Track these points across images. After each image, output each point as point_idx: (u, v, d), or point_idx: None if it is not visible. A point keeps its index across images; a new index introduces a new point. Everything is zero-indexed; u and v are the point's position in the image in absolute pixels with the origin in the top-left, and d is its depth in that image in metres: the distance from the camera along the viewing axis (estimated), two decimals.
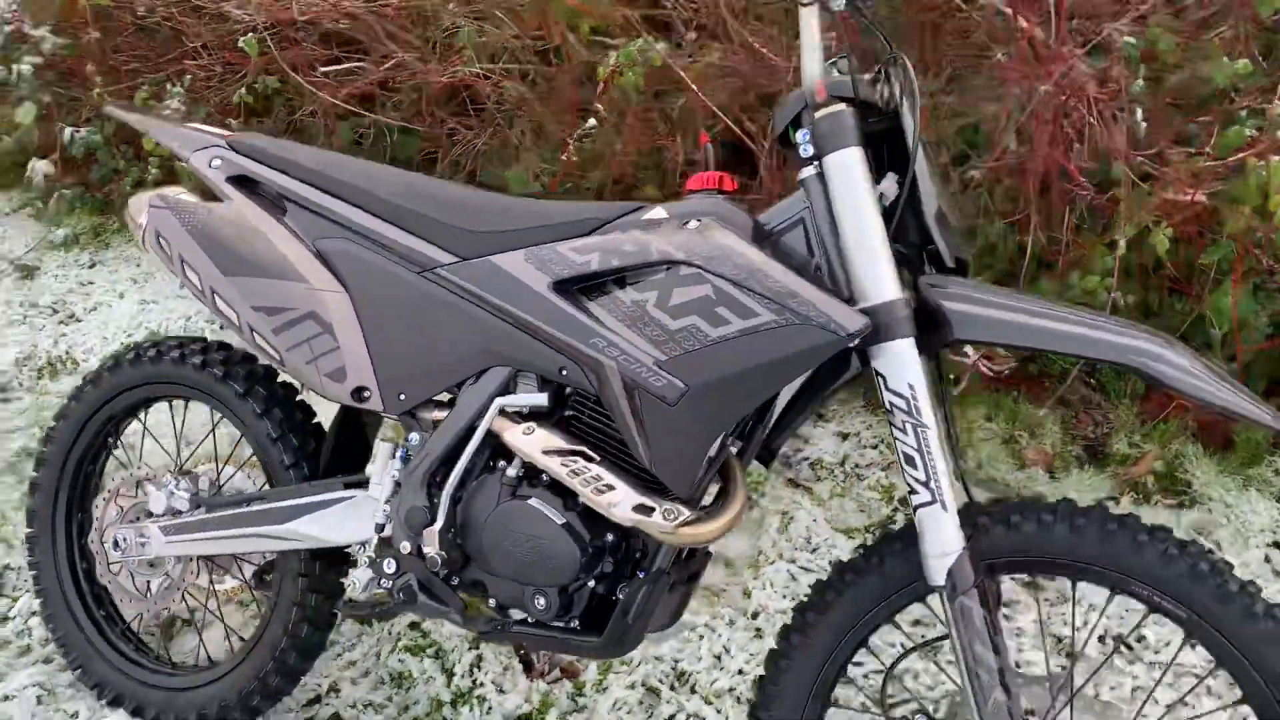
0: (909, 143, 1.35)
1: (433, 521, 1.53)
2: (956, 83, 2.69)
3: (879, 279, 1.32)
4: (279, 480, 1.79)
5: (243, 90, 3.56)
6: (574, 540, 1.45)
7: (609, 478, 1.41)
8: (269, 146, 1.73)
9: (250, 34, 3.41)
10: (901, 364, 1.31)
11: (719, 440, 1.37)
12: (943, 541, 1.31)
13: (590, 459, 1.43)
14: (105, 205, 4.07)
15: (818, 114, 1.36)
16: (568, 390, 1.50)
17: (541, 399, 1.48)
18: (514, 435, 1.46)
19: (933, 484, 1.30)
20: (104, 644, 2.01)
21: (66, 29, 4.06)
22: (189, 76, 3.75)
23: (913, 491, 1.32)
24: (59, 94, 4.10)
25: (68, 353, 3.33)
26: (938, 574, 1.31)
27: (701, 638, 2.17)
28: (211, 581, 1.90)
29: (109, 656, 1.99)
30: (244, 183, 1.72)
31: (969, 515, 1.34)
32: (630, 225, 1.47)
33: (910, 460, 1.32)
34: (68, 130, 3.93)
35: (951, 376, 1.35)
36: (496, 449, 1.53)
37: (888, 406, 1.33)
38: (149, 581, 1.92)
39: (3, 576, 2.40)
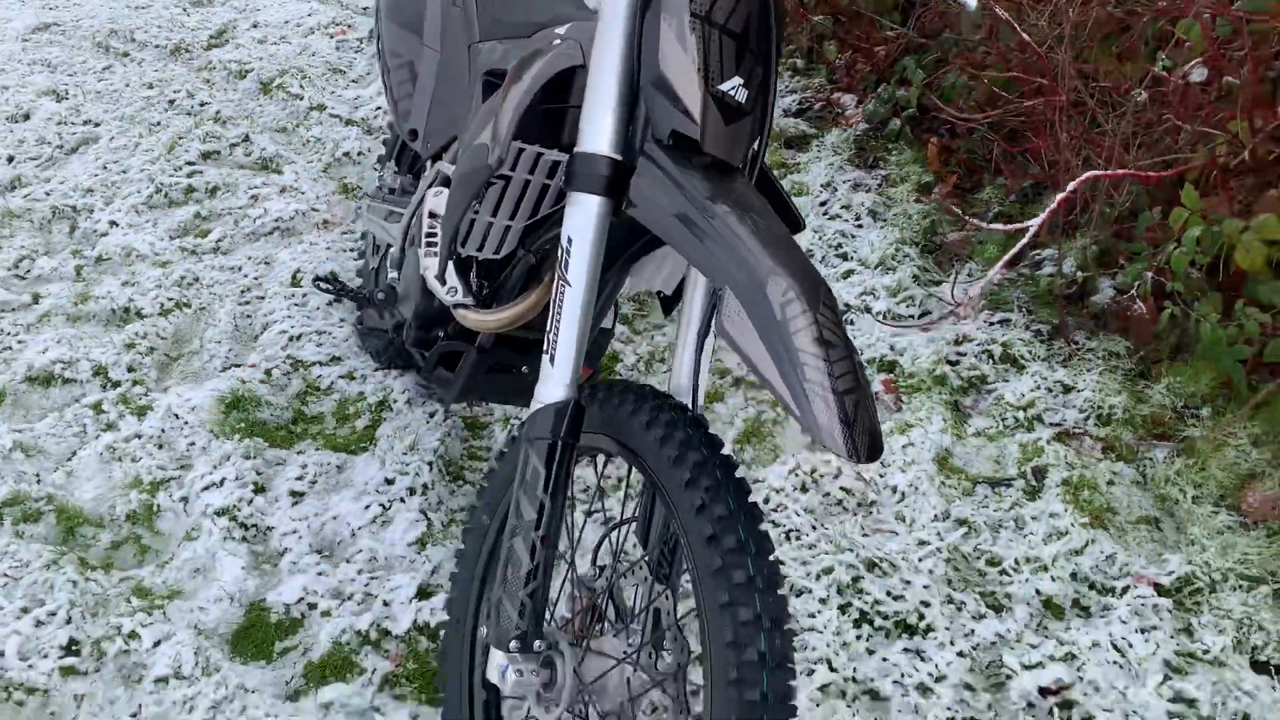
0: None
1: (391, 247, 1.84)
2: None
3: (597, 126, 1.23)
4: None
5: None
6: (422, 289, 1.65)
7: None
8: None
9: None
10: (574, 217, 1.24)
11: (453, 234, 1.45)
12: (542, 394, 1.26)
13: None
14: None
15: None
16: None
17: (450, 169, 1.58)
18: (430, 193, 1.61)
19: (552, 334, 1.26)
20: None
21: None
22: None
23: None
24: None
25: None
26: (525, 416, 1.27)
27: None
28: None
29: None
30: None
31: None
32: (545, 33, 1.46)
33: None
34: None
35: None
36: None
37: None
38: None
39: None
